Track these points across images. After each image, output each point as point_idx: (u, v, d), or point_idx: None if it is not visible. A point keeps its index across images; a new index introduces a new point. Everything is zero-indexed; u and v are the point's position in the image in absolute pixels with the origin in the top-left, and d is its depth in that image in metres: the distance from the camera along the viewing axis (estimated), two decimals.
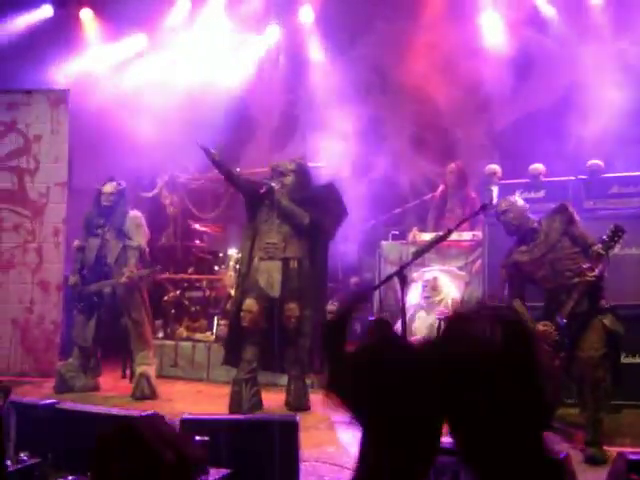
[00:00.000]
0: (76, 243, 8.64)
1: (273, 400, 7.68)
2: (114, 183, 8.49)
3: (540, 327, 5.94)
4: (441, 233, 5.84)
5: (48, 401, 5.13)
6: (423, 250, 5.72)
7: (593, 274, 5.92)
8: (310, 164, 9.57)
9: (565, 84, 9.51)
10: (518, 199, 6.56)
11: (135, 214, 8.58)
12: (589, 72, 9.16)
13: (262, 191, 7.55)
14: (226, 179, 8.10)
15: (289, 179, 7.71)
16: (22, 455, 4.10)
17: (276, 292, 7.49)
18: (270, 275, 7.52)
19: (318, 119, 10.45)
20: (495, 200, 6.41)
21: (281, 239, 7.57)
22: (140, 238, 8.43)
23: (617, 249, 6.35)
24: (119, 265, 8.32)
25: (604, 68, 9.07)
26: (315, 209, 7.60)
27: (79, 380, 8.39)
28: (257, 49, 11.52)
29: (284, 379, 7.93)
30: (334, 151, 9.45)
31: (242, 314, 7.45)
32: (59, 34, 11.18)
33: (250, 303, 7.45)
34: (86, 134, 9.99)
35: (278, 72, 11.63)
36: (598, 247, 5.95)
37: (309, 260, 7.67)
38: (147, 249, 8.58)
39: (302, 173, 7.82)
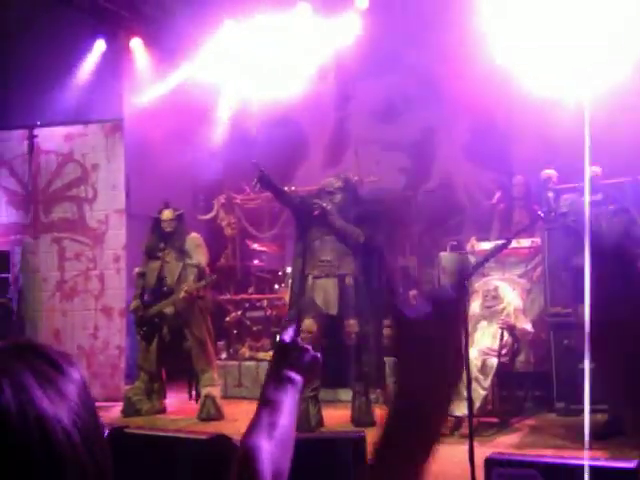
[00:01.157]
0: (137, 270, 8.76)
1: (337, 417, 7.66)
2: (171, 209, 8.60)
3: None
4: (500, 242, 5.79)
5: (117, 426, 5.20)
6: (482, 261, 5.66)
7: None
8: (365, 179, 9.56)
9: (616, 82, 9.34)
10: (578, 200, 6.48)
11: (195, 235, 8.68)
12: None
13: (316, 213, 7.53)
14: (277, 199, 8.10)
15: (338, 197, 7.69)
16: None
17: (334, 310, 7.47)
18: (327, 293, 7.50)
19: (370, 133, 10.47)
20: (551, 207, 6.35)
21: (335, 256, 7.55)
22: (200, 257, 8.50)
23: None
24: (180, 284, 8.41)
25: None
26: (366, 225, 7.58)
27: (146, 403, 8.48)
28: (307, 67, 11.56)
29: (346, 395, 7.91)
30: (387, 164, 9.45)
31: (302, 335, 7.42)
32: (112, 66, 11.40)
33: (309, 324, 7.42)
34: (142, 161, 10.15)
35: (328, 88, 11.66)
36: None
37: (364, 275, 7.64)
38: (207, 268, 8.65)
39: (350, 189, 7.82)
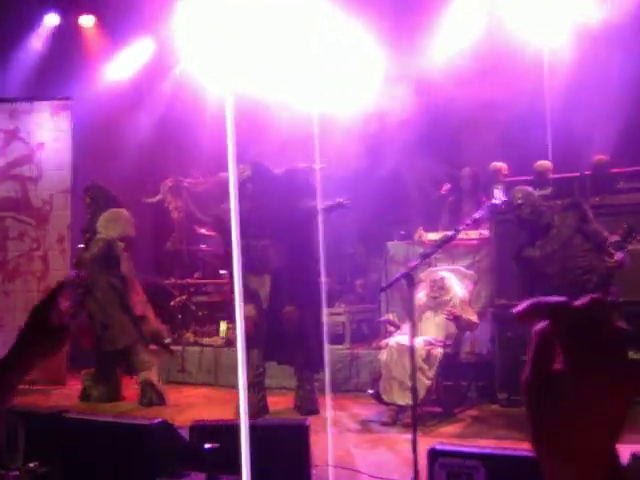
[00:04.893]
0: (80, 247, 8.66)
1: (281, 404, 7.64)
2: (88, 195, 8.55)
3: None
4: (448, 233, 5.79)
5: (54, 411, 5.12)
6: (430, 252, 5.65)
7: (614, 260, 5.86)
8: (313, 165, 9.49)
9: (567, 81, 9.43)
10: (533, 192, 6.51)
11: (111, 211, 8.50)
12: (591, 70, 9.11)
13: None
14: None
15: (249, 187, 7.45)
16: (31, 465, 4.08)
17: (270, 301, 7.41)
18: (263, 286, 7.44)
19: (323, 119, 10.37)
20: (501, 199, 6.36)
21: (268, 252, 7.45)
22: (109, 231, 8.34)
23: None
24: None
25: (606, 65, 9.02)
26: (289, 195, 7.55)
27: (95, 389, 8.32)
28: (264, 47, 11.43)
29: (290, 382, 7.89)
30: (339, 151, 9.36)
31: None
32: (62, 42, 11.19)
33: (249, 309, 7.36)
34: (90, 141, 9.97)
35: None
36: (614, 239, 5.89)
37: (299, 263, 7.58)
38: (117, 240, 8.43)
39: (260, 174, 7.59)
